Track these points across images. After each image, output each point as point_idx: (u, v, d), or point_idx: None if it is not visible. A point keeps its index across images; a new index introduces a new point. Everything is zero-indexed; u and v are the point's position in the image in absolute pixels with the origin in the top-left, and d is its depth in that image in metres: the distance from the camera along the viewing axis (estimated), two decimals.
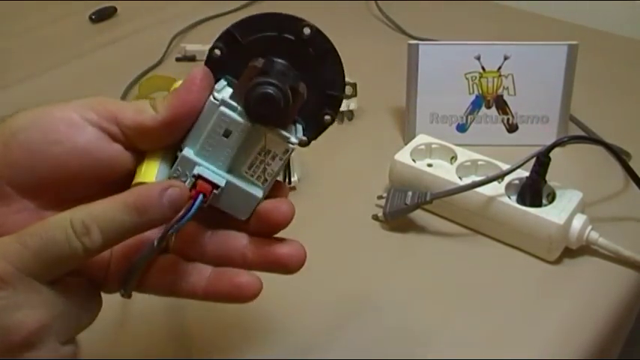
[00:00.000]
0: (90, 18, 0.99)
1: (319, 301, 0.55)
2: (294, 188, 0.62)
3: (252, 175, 0.39)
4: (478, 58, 0.71)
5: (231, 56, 0.39)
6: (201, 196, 0.37)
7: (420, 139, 0.67)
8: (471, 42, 0.72)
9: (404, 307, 0.55)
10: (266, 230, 0.39)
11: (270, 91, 0.36)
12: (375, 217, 0.63)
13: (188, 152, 0.37)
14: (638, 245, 0.58)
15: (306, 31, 0.39)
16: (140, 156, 0.38)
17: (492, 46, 0.71)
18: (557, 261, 0.58)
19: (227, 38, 0.39)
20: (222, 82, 0.39)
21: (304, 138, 0.40)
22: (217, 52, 0.39)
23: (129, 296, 0.38)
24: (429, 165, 0.66)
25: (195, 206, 0.36)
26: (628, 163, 0.63)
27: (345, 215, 0.63)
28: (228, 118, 0.37)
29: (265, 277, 0.53)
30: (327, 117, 0.40)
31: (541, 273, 0.58)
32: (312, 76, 0.39)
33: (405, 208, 0.61)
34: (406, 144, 0.67)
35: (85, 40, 0.95)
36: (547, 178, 0.60)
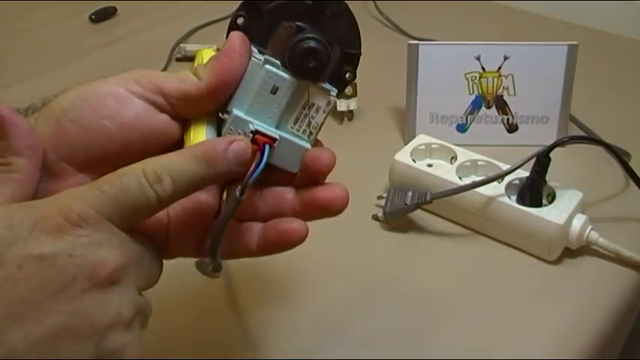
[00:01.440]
0: (90, 18, 0.99)
1: (319, 300, 0.55)
2: None
3: (298, 130, 0.40)
4: (478, 58, 0.71)
5: (253, 23, 0.40)
6: (268, 147, 0.38)
7: (420, 139, 0.67)
8: (471, 42, 0.72)
9: (404, 307, 0.55)
10: (310, 180, 0.40)
11: (314, 45, 0.38)
12: (375, 217, 0.63)
13: (238, 112, 0.38)
14: (638, 245, 0.58)
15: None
16: (186, 124, 0.39)
17: (492, 46, 0.71)
18: (557, 261, 0.58)
19: (248, 7, 0.40)
20: (253, 49, 0.40)
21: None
22: (240, 20, 0.40)
23: (219, 268, 0.39)
24: (429, 165, 0.65)
25: (266, 155, 0.38)
26: (628, 163, 0.63)
27: (345, 215, 0.63)
28: (275, 75, 0.38)
29: (264, 277, 0.53)
30: (348, 74, 0.42)
31: (541, 273, 0.58)
32: (331, 37, 0.40)
33: (405, 208, 0.61)
34: (406, 144, 0.67)
35: (85, 40, 0.95)
36: (547, 178, 0.60)
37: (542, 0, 1.02)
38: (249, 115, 0.39)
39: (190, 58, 0.88)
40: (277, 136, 0.39)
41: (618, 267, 0.58)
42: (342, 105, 0.75)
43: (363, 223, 0.63)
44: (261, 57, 0.39)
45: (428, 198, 0.60)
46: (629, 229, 0.62)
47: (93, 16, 0.99)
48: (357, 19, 0.43)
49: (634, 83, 0.85)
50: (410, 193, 0.61)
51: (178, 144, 0.38)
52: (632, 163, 0.64)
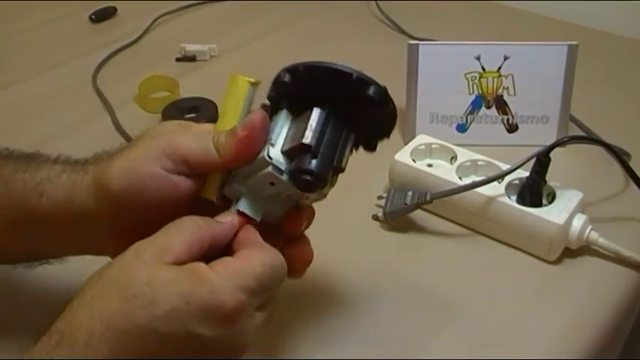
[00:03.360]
0: (90, 18, 0.99)
1: (319, 300, 0.55)
2: None
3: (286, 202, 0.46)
4: (478, 58, 0.71)
5: (294, 86, 0.44)
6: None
7: (420, 139, 0.67)
8: (471, 42, 0.72)
9: (404, 307, 0.55)
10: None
11: (309, 179, 0.42)
12: (375, 217, 0.63)
13: (238, 186, 0.44)
14: (638, 245, 0.58)
15: (372, 90, 0.43)
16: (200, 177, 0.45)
17: (492, 46, 0.71)
18: (557, 261, 0.58)
19: (295, 72, 0.44)
20: (283, 117, 0.44)
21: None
22: (287, 77, 0.44)
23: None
24: (429, 165, 0.66)
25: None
26: (628, 163, 0.63)
27: (345, 215, 0.63)
28: (276, 178, 0.43)
29: None
30: (370, 149, 0.47)
31: (541, 273, 0.58)
32: (366, 125, 0.45)
33: (405, 208, 0.61)
34: (406, 144, 0.67)
35: (85, 40, 0.95)
36: (547, 178, 0.60)
37: (542, 0, 1.02)
38: (243, 185, 0.44)
39: (190, 58, 0.88)
40: (258, 219, 0.44)
41: (618, 267, 0.58)
42: None
43: (363, 223, 0.63)
44: (273, 155, 0.43)
45: (428, 198, 0.60)
46: (629, 229, 0.62)
47: (93, 16, 0.99)
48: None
49: (634, 83, 0.85)
50: (410, 193, 0.61)
51: (191, 192, 0.44)
52: (632, 163, 0.64)
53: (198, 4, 1.04)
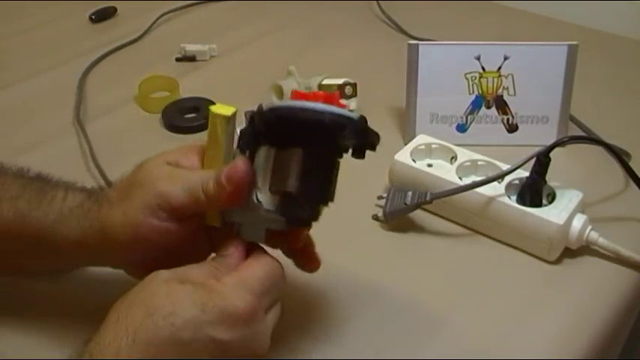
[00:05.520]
0: (90, 18, 0.99)
1: (319, 300, 0.55)
2: None
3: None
4: (478, 58, 0.71)
5: (271, 130, 0.45)
6: None
7: (420, 139, 0.67)
8: (471, 42, 0.72)
9: (404, 307, 0.55)
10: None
11: (301, 221, 0.45)
12: (375, 217, 0.63)
13: (234, 215, 0.47)
14: (638, 245, 0.58)
15: (348, 130, 0.43)
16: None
17: (492, 46, 0.71)
18: (557, 261, 0.58)
19: (268, 120, 0.44)
20: (263, 153, 0.45)
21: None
22: (261, 127, 0.44)
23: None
24: (429, 165, 0.65)
25: None
26: (628, 163, 0.63)
27: (345, 215, 0.63)
28: (267, 215, 0.45)
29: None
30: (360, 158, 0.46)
31: (541, 273, 0.58)
32: (349, 146, 0.45)
33: (405, 208, 0.61)
34: (406, 144, 0.67)
35: (85, 40, 0.95)
36: (547, 178, 0.60)
37: (542, 0, 1.02)
38: (241, 215, 0.46)
39: (190, 58, 0.88)
40: (262, 241, 0.47)
41: (618, 267, 0.58)
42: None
43: (363, 223, 0.63)
44: (259, 202, 0.45)
45: (428, 198, 0.60)
46: (629, 229, 0.62)
47: (93, 16, 0.99)
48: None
49: (634, 83, 0.85)
50: (410, 193, 0.61)
51: (190, 230, 0.47)
52: (632, 163, 0.64)
53: (198, 4, 1.04)
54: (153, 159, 0.48)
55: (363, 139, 0.44)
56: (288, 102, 0.45)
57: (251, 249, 0.47)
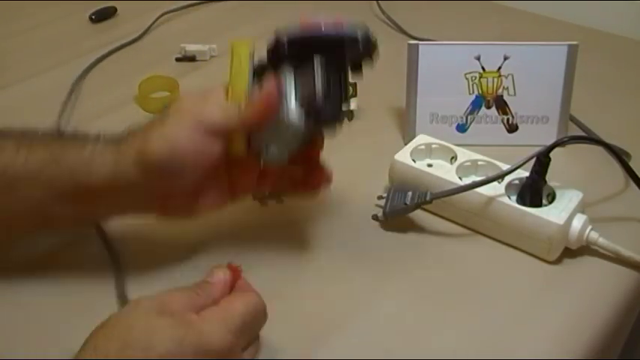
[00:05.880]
0: (90, 18, 0.99)
1: (319, 299, 0.55)
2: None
3: None
4: (478, 58, 0.71)
5: (291, 48, 0.52)
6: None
7: (420, 139, 0.67)
8: (471, 42, 0.72)
9: (404, 307, 0.55)
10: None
11: (330, 123, 0.52)
12: (375, 217, 0.63)
13: (263, 137, 0.52)
14: (638, 245, 0.58)
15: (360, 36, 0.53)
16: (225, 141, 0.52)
17: (492, 46, 0.71)
18: (557, 261, 0.58)
19: (290, 38, 0.52)
20: (286, 72, 0.52)
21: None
22: (285, 45, 0.52)
23: None
24: (429, 165, 0.65)
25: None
26: (628, 163, 0.63)
27: (345, 215, 0.63)
28: (296, 129, 0.51)
29: (263, 276, 0.53)
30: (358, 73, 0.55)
31: (541, 273, 0.58)
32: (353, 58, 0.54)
33: (405, 208, 0.61)
34: (406, 144, 0.67)
35: (85, 40, 0.95)
36: (547, 178, 0.60)
37: (542, 0, 1.02)
38: (269, 136, 0.52)
39: (190, 58, 0.88)
40: (285, 162, 0.53)
41: (618, 267, 0.58)
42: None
43: (363, 223, 0.63)
44: (289, 116, 0.50)
45: (428, 198, 0.60)
46: (629, 229, 0.62)
47: (93, 16, 0.99)
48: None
49: (634, 83, 0.85)
50: (410, 193, 0.61)
51: (219, 154, 0.51)
52: (632, 163, 0.64)
53: (198, 4, 1.04)
54: (183, 95, 0.53)
55: (369, 48, 0.53)
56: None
57: (235, 279, 0.48)
